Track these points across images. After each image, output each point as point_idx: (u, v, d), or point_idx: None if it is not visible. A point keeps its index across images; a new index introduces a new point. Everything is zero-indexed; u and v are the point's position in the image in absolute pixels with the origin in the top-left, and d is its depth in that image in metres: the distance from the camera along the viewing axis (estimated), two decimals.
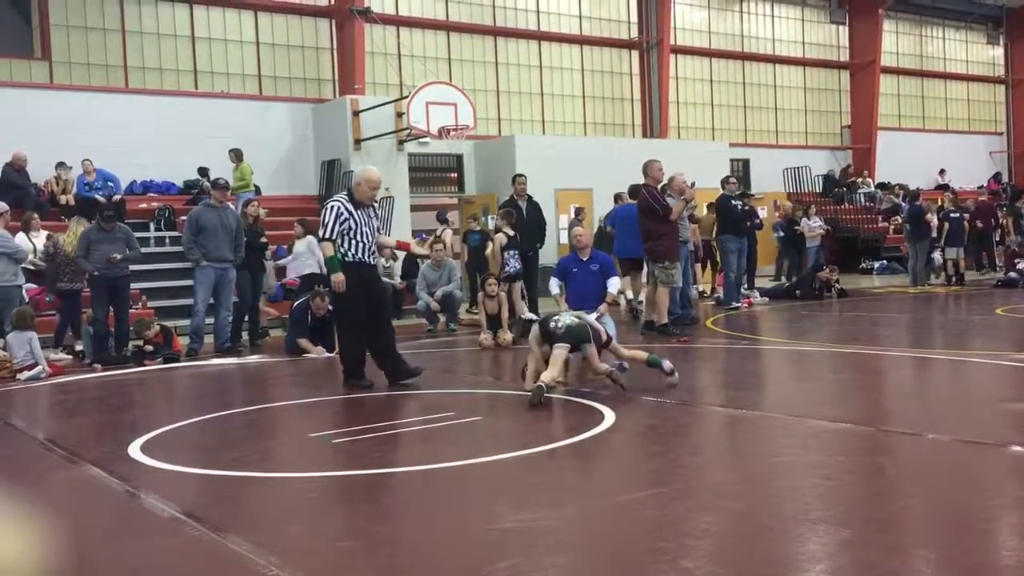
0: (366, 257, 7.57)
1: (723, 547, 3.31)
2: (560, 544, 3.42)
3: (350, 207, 7.49)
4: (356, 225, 7.47)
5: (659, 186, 10.71)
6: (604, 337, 6.91)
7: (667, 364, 6.84)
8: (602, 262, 10.19)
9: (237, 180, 15.59)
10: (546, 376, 6.41)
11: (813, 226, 18.20)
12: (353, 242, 7.50)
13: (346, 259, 7.47)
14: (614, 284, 10.06)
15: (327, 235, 7.45)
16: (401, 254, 16.38)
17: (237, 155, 15.81)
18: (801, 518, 3.57)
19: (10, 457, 5.79)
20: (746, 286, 14.41)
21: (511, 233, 11.60)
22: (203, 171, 16.01)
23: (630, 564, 3.18)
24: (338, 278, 7.40)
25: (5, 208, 10.62)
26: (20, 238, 11.67)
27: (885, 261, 21.73)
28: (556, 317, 6.87)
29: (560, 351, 6.58)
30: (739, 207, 13.52)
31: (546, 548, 3.34)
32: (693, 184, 11.09)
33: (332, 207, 7.50)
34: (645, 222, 10.71)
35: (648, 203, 10.51)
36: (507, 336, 10.43)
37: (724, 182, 13.88)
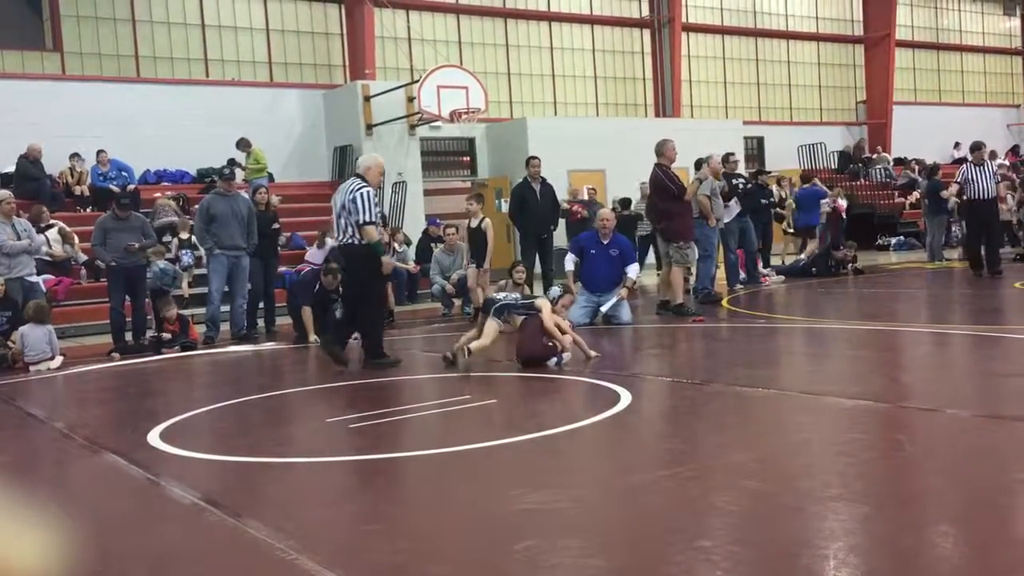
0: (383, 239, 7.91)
1: (741, 526, 3.30)
2: (576, 525, 3.42)
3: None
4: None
5: (672, 165, 10.59)
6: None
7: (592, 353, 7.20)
8: (622, 247, 10.14)
9: (252, 165, 15.61)
10: (474, 344, 6.92)
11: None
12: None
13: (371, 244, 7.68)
14: (633, 270, 10.03)
15: (369, 219, 7.60)
16: (416, 238, 16.41)
17: (245, 144, 15.80)
18: (819, 495, 3.56)
19: (31, 447, 5.85)
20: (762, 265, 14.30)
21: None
22: (232, 162, 15.98)
23: (647, 544, 3.18)
24: (388, 261, 7.73)
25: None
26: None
27: (902, 237, 21.55)
28: (504, 295, 7.65)
29: (492, 322, 7.14)
30: (739, 186, 13.10)
31: (562, 529, 3.34)
32: (707, 159, 11.20)
33: (364, 193, 7.63)
34: (658, 202, 10.64)
35: (662, 182, 10.43)
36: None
37: (725, 160, 13.29)
